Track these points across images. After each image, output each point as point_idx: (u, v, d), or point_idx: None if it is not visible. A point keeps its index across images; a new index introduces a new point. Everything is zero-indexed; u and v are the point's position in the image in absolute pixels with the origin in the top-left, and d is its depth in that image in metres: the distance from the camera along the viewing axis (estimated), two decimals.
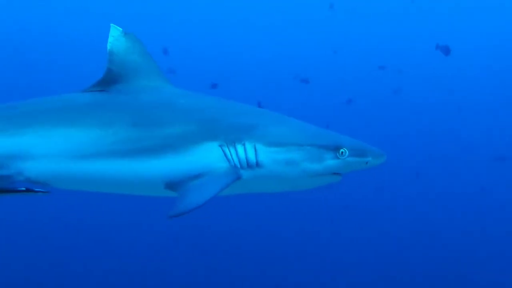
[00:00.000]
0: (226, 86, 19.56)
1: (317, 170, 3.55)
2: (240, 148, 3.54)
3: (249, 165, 3.53)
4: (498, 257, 14.92)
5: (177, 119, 3.67)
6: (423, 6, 24.31)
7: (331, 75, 24.11)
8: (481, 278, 13.57)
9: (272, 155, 3.52)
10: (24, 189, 3.75)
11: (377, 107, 23.32)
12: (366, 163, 3.64)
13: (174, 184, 3.56)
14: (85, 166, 3.65)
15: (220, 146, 3.54)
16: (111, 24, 3.97)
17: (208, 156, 3.55)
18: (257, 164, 3.53)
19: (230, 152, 3.54)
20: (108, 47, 3.94)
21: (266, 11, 25.76)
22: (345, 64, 24.22)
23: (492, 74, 23.43)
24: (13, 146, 3.71)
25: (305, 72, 21.38)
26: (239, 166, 3.53)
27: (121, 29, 3.97)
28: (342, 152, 3.54)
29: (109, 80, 3.97)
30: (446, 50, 13.85)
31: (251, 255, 14.20)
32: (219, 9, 25.65)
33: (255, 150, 3.53)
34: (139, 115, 3.73)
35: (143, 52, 4.00)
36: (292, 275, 13.35)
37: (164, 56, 19.37)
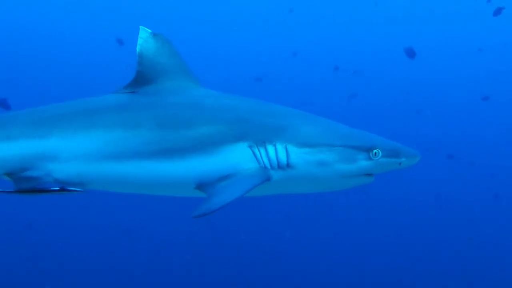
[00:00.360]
0: None
1: (349, 171, 3.50)
2: (270, 149, 3.49)
3: (279, 166, 3.48)
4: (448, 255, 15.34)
5: (206, 120, 3.63)
6: (386, 9, 24.79)
7: (291, 76, 24.35)
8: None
9: (304, 156, 3.47)
10: (58, 188, 3.75)
11: (334, 108, 23.62)
12: (400, 163, 3.58)
13: (203, 185, 3.52)
14: (112, 167, 3.64)
15: (250, 146, 3.51)
16: (140, 26, 3.94)
17: (237, 157, 3.51)
18: (288, 165, 3.47)
19: (260, 152, 3.49)
20: (138, 49, 3.91)
21: (229, 13, 25.81)
22: (305, 66, 24.49)
23: (447, 74, 24.00)
24: (42, 148, 3.71)
25: (266, 73, 21.59)
26: (269, 167, 3.48)
27: (150, 30, 3.94)
28: (375, 153, 3.49)
29: (139, 81, 3.96)
30: (411, 53, 14.14)
31: (250, 255, 14.25)
32: (183, 8, 25.58)
33: (287, 151, 3.48)
34: (166, 116, 3.71)
35: (173, 53, 3.97)
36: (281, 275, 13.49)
37: (120, 47, 19.42)
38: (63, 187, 3.75)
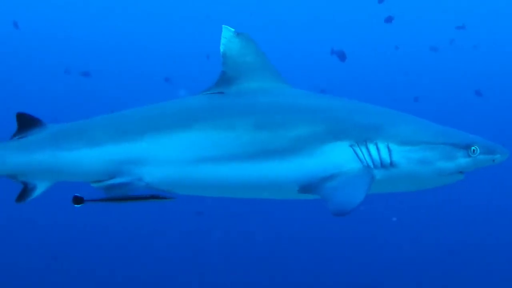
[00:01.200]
0: (99, 77, 20.50)
1: (449, 168, 3.47)
2: (372, 148, 3.43)
3: (382, 165, 3.43)
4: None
5: (303, 120, 3.55)
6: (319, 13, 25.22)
7: (203, 77, 24.34)
8: None
9: (407, 154, 3.42)
10: (149, 195, 3.58)
11: None
12: (493, 160, 3.54)
13: (307, 186, 3.44)
14: (208, 170, 3.52)
15: (351, 146, 3.44)
16: (223, 26, 3.84)
17: (339, 157, 3.43)
18: (391, 164, 3.42)
19: (362, 152, 3.44)
20: (221, 49, 3.83)
21: (152, 16, 25.46)
22: (218, 67, 24.58)
23: (368, 74, 24.68)
24: (132, 151, 3.59)
25: (179, 75, 21.58)
26: (372, 166, 3.42)
27: (233, 29, 3.84)
28: (473, 150, 3.46)
29: (225, 82, 3.86)
30: (341, 56, 14.36)
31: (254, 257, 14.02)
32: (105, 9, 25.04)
33: (389, 150, 3.43)
34: (262, 117, 3.60)
35: (258, 52, 3.87)
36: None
37: (15, 29, 19.16)
38: (154, 195, 3.58)
